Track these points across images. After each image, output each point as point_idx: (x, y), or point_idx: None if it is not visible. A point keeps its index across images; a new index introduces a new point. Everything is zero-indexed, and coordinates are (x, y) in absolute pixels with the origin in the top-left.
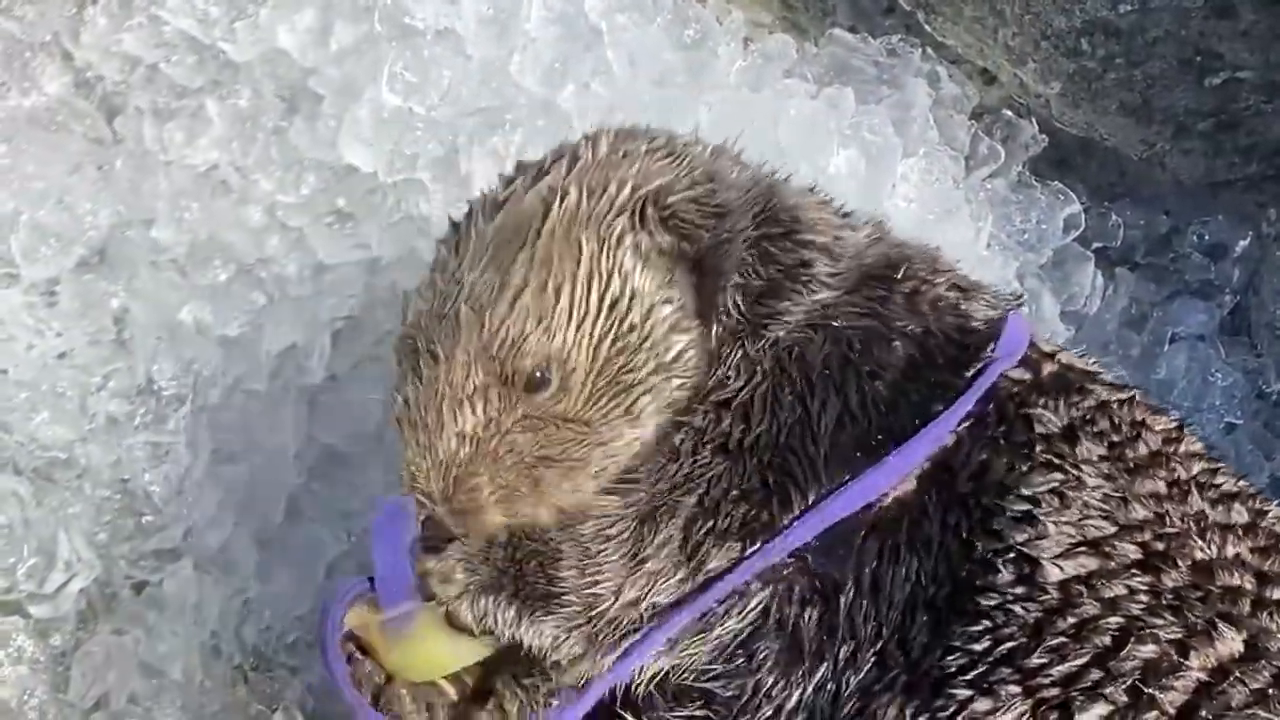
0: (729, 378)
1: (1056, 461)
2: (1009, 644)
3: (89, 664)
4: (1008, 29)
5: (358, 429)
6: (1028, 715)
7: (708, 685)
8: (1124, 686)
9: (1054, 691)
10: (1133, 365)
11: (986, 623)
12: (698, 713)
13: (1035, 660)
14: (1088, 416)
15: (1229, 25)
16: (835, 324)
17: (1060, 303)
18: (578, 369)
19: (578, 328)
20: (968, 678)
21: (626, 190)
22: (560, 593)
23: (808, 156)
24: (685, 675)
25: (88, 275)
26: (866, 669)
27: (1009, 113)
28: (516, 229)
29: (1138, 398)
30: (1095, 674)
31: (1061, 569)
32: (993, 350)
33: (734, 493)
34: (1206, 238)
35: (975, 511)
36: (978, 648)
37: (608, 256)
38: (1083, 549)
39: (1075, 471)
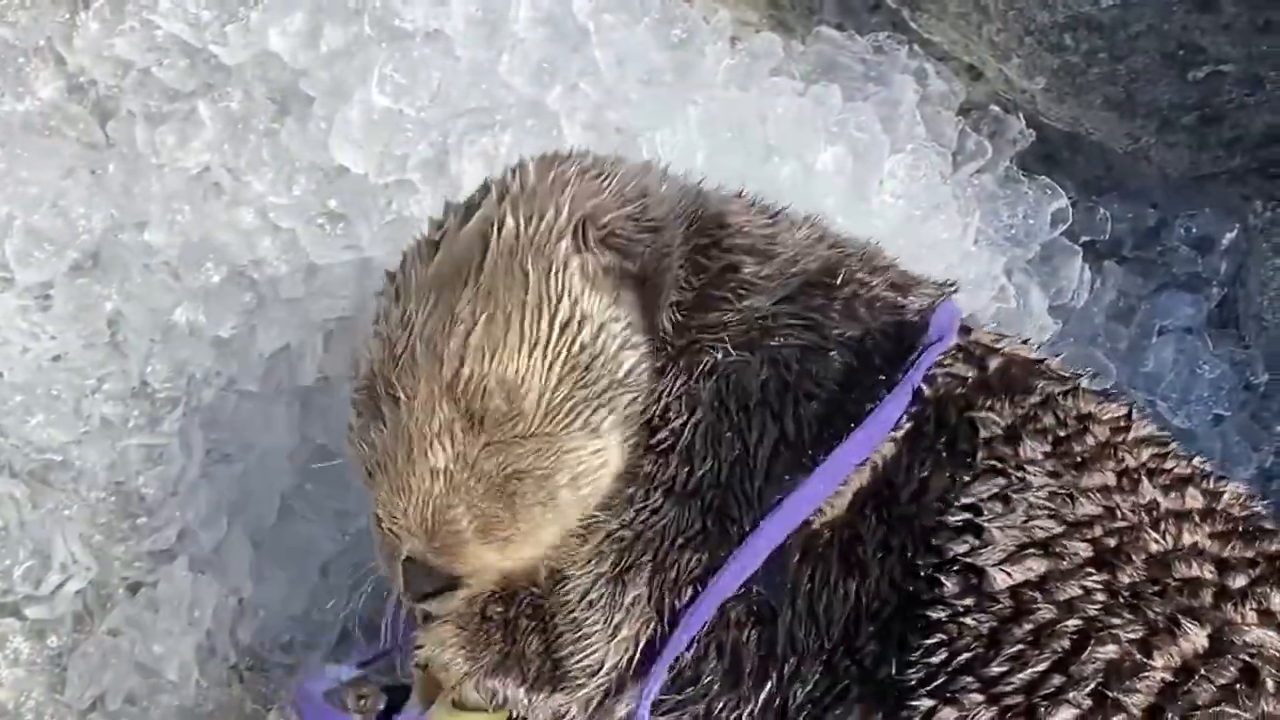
0: (670, 415)
1: (999, 465)
2: (966, 654)
3: (85, 665)
4: (992, 25)
5: None
6: None
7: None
8: (1087, 690)
9: (1018, 699)
10: (1120, 358)
11: (940, 635)
12: None
13: (995, 669)
14: (1030, 414)
15: (1210, 19)
16: (773, 343)
17: (1048, 297)
18: (532, 391)
19: (529, 354)
20: (929, 688)
21: (564, 214)
22: (563, 672)
23: (795, 153)
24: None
25: (81, 279)
26: (814, 680)
27: (996, 108)
28: (457, 266)
29: (1083, 386)
30: (1057, 679)
31: (1010, 574)
32: (926, 339)
33: (679, 540)
34: (1194, 230)
35: (916, 531)
36: (935, 660)
37: (555, 281)
38: (1031, 551)
39: (1018, 473)
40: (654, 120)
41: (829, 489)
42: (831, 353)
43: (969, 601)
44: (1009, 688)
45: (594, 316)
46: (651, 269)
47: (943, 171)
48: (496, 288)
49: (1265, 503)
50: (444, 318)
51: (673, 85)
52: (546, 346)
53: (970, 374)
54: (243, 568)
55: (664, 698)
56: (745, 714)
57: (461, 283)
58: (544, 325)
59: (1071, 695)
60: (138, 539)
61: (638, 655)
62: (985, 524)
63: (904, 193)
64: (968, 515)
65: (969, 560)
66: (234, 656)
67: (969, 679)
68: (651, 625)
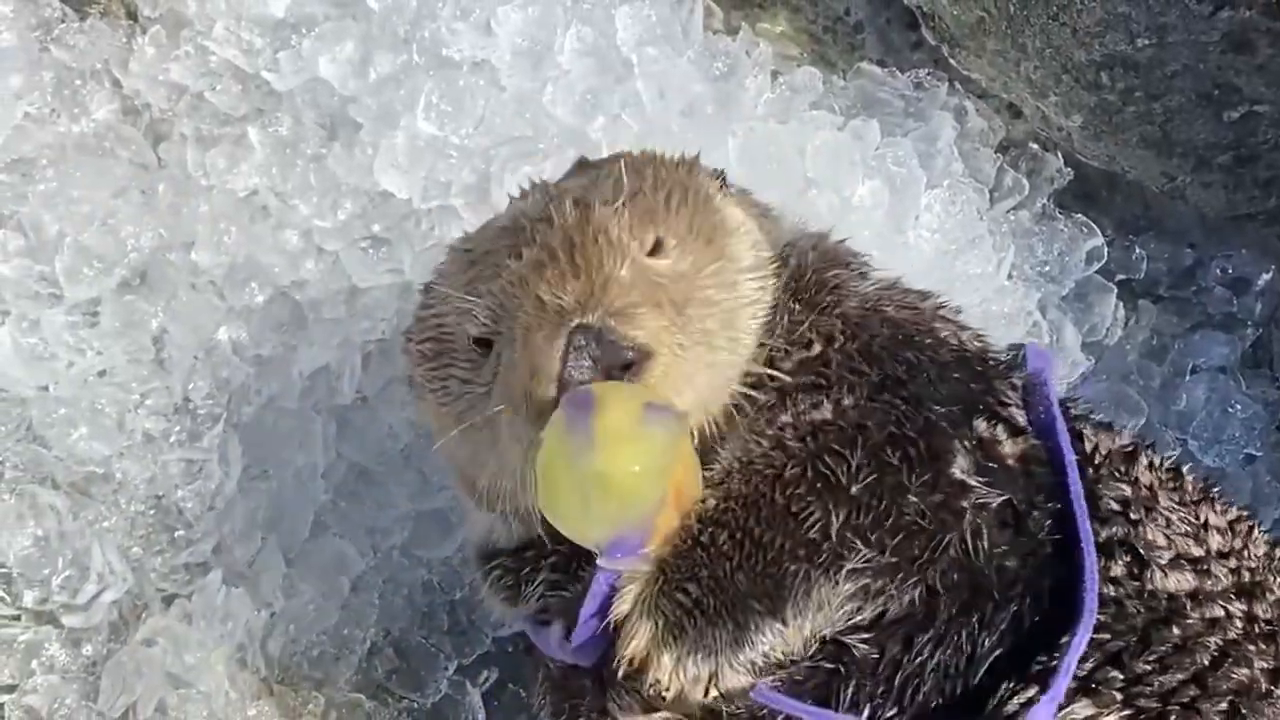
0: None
1: (1120, 474)
2: (1119, 643)
3: (118, 674)
4: (1029, 62)
5: (385, 448)
6: None
7: (851, 640)
8: (1220, 707)
9: (1153, 704)
10: (1153, 396)
11: (1102, 615)
12: (826, 664)
13: (1140, 666)
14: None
15: (1246, 60)
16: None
17: (1081, 333)
18: (684, 242)
19: (685, 218)
20: (1081, 672)
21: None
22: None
23: (833, 186)
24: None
25: (129, 296)
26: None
27: (1035, 146)
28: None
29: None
30: (1193, 690)
31: (1167, 576)
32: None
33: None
34: (1229, 271)
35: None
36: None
37: (704, 189)
38: (1185, 563)
39: (1147, 490)
40: (694, 151)
41: None
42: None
43: (1131, 588)
44: (1148, 689)
45: (733, 215)
46: (765, 228)
47: (979, 207)
48: (659, 177)
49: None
50: (609, 185)
51: (713, 117)
52: (695, 217)
53: None
54: (275, 582)
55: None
56: (922, 658)
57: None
58: (689, 204)
59: (1204, 708)
60: (174, 551)
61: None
62: (1137, 517)
63: (939, 227)
64: (1118, 506)
65: (1131, 543)
66: (264, 669)
67: (1114, 672)
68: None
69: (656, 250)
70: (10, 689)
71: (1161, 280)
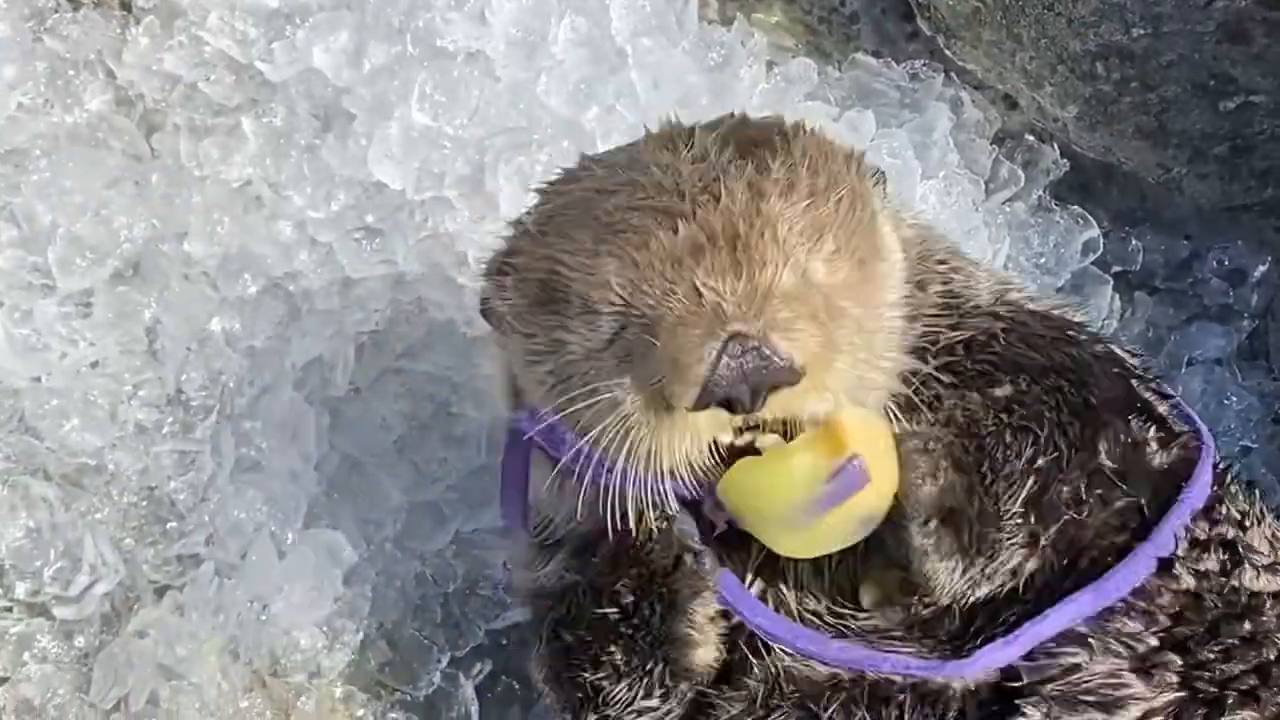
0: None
1: (1244, 495)
2: (1185, 630)
3: (110, 665)
4: (1025, 53)
5: (378, 440)
6: (1177, 704)
7: None
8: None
9: (1211, 689)
10: None
11: (1177, 607)
12: None
13: (1205, 654)
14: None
15: (1242, 49)
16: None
17: None
18: (842, 252)
19: (849, 229)
20: (1140, 650)
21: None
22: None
23: None
24: None
25: (121, 287)
26: None
27: (1031, 137)
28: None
29: None
30: (1254, 679)
31: (1259, 576)
32: None
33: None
34: (1226, 263)
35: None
36: (1157, 621)
37: (869, 201)
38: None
39: (1257, 510)
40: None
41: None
42: None
43: (1217, 583)
44: (1208, 674)
45: (879, 215)
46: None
47: (975, 199)
48: (818, 170)
49: None
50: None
51: (708, 108)
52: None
53: None
54: (268, 574)
55: None
56: None
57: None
58: (847, 205)
59: (1263, 696)
60: (167, 543)
61: None
62: (1250, 524)
63: (935, 219)
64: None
65: (1234, 543)
66: (256, 661)
67: (1173, 656)
68: None
69: (818, 256)
70: (2, 680)
71: (1158, 272)
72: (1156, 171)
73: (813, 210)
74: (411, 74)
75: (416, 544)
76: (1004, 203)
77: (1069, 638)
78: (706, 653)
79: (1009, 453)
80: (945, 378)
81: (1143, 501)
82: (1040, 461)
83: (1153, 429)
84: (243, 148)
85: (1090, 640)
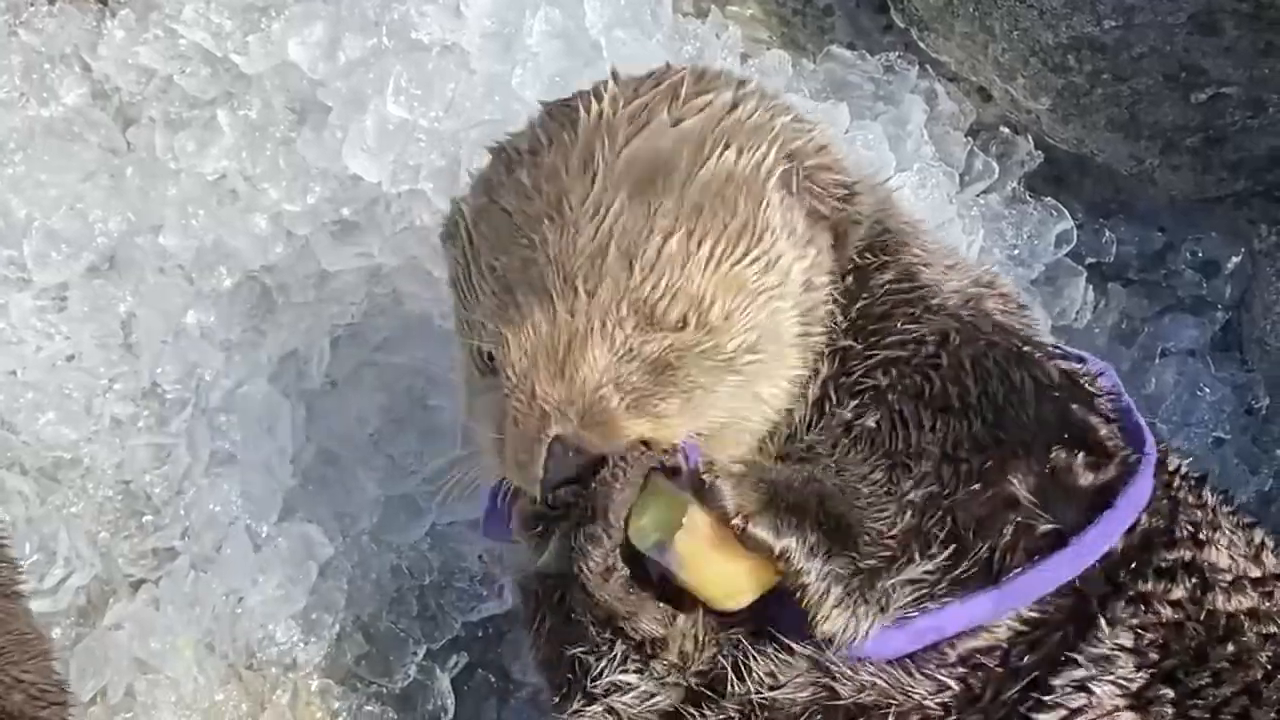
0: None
1: (1195, 499)
2: (1173, 661)
3: (87, 659)
4: (997, 45)
5: (354, 433)
6: None
7: None
8: (1272, 712)
9: (1205, 715)
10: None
11: (1161, 637)
12: None
13: (1196, 682)
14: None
15: (1213, 41)
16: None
17: (1051, 317)
18: (716, 305)
19: (721, 272)
20: (1131, 689)
21: (773, 153)
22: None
23: None
24: None
25: (97, 280)
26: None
27: (1005, 129)
28: (659, 168)
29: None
30: (1244, 700)
31: (1229, 598)
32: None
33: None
34: (1199, 254)
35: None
36: (1146, 657)
37: (760, 215)
38: (1245, 584)
39: (1210, 514)
40: None
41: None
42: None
43: (1192, 611)
44: (1201, 702)
45: (787, 254)
46: (841, 228)
47: (949, 191)
48: (702, 208)
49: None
50: (640, 221)
51: None
52: (737, 267)
53: None
54: (243, 567)
55: None
56: None
57: (664, 189)
58: (739, 252)
59: (1255, 715)
60: (142, 536)
61: None
62: (1205, 539)
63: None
64: (1191, 529)
65: (1200, 567)
66: (232, 654)
67: (1166, 689)
68: None
69: (670, 327)
70: None
71: (1131, 263)
72: (1129, 163)
73: (634, 301)
74: (387, 67)
75: (392, 537)
76: (978, 195)
77: (1071, 684)
78: (648, 624)
79: (877, 488)
80: (883, 377)
81: (1063, 526)
82: (914, 495)
83: (1081, 455)
84: (218, 141)
85: (1091, 685)
